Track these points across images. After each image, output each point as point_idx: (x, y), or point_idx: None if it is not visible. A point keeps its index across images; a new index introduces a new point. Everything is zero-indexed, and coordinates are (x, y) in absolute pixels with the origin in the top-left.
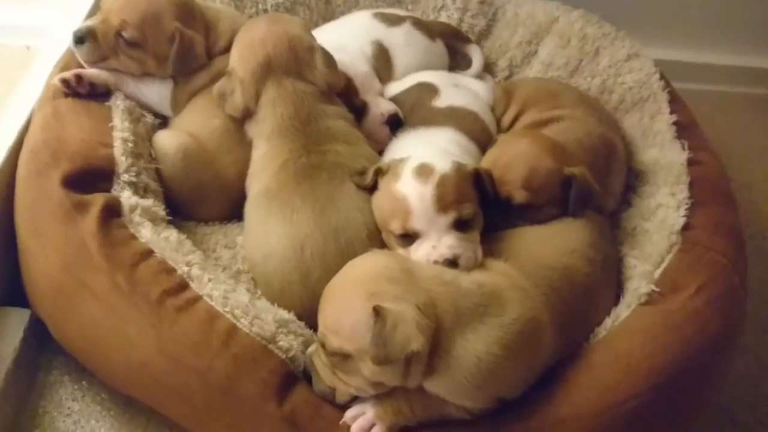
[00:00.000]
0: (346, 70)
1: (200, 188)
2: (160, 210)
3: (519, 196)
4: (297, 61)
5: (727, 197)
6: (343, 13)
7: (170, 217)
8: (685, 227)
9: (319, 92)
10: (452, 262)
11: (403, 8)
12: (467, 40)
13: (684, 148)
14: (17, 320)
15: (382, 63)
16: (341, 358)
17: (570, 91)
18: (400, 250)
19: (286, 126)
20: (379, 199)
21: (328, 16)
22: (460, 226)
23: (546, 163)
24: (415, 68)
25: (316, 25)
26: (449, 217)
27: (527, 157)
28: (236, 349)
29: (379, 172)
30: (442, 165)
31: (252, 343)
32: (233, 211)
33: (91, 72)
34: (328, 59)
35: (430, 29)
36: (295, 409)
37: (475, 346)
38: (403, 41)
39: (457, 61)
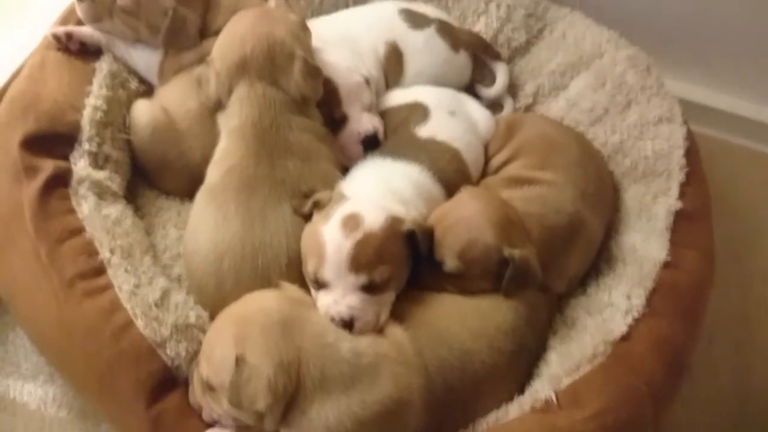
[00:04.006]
0: (336, 79)
1: (164, 164)
2: (113, 184)
3: (451, 263)
4: (273, 67)
5: (689, 312)
6: None
7: (123, 192)
8: (624, 337)
9: (291, 101)
10: (348, 323)
11: (443, 5)
12: (496, 57)
13: (665, 248)
14: None
15: (393, 65)
16: (208, 384)
17: (573, 148)
18: (312, 291)
19: (247, 128)
20: (306, 232)
21: None
22: (370, 288)
23: (486, 238)
24: (428, 77)
25: (346, 5)
26: (360, 279)
27: (470, 226)
28: (125, 345)
29: (317, 205)
30: (374, 219)
31: (141, 343)
32: (195, 189)
33: (84, 31)
34: (308, 69)
35: (455, 38)
36: (161, 415)
37: (329, 415)
38: (421, 47)
39: (482, 75)
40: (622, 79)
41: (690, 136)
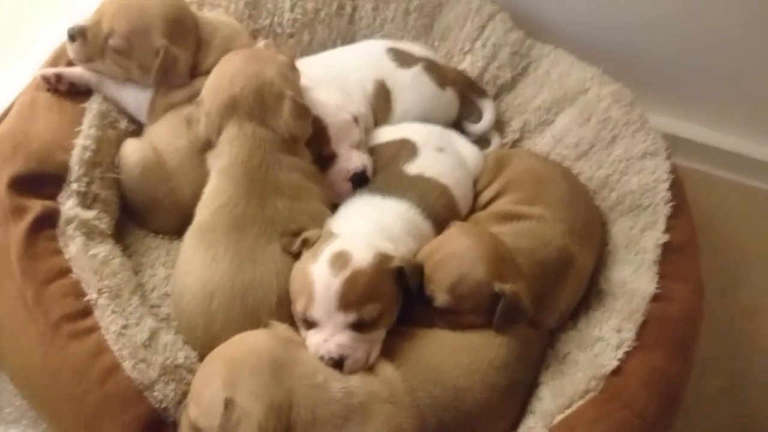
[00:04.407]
0: (325, 117)
1: (153, 202)
2: (101, 223)
3: (441, 299)
4: (262, 107)
5: (679, 345)
6: (365, 37)
7: (111, 231)
8: (615, 371)
9: (280, 140)
10: (338, 362)
11: (429, 44)
12: (482, 94)
13: (654, 281)
14: None
15: (382, 103)
16: (197, 427)
17: (560, 182)
18: (302, 330)
19: (236, 168)
20: (295, 271)
21: (349, 38)
22: (360, 326)
23: (477, 273)
24: (416, 114)
25: (334, 45)
26: (349, 317)
27: (460, 261)
28: (111, 388)
29: (306, 243)
30: (363, 256)
31: (128, 387)
32: (184, 227)
33: (73, 72)
34: (297, 109)
35: (442, 76)
36: None
37: None
38: (408, 85)
39: (469, 111)
40: (606, 114)
41: (674, 170)
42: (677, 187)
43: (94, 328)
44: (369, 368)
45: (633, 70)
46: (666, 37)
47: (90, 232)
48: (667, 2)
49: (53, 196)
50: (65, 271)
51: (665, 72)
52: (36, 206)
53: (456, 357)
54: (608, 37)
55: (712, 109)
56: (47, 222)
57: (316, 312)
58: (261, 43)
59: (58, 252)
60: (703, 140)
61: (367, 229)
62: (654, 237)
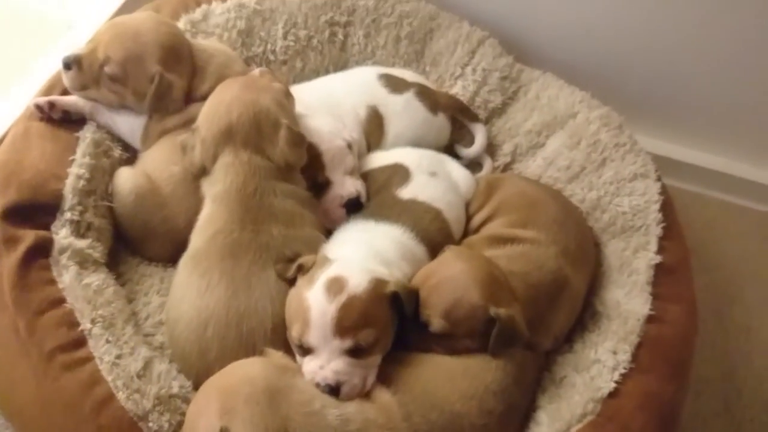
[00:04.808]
0: (319, 144)
1: (147, 230)
2: (95, 252)
3: (437, 324)
4: (258, 135)
5: (675, 367)
6: (357, 63)
7: (105, 260)
8: (612, 394)
9: (275, 168)
10: (334, 389)
11: (420, 70)
12: (474, 119)
13: (648, 302)
14: None
15: (374, 128)
16: None
17: (552, 205)
18: (297, 356)
19: (231, 195)
20: (291, 297)
21: (341, 65)
22: (356, 351)
23: (472, 298)
24: (409, 138)
25: (327, 71)
26: (345, 343)
27: (455, 286)
28: (105, 420)
29: (301, 269)
30: (358, 281)
31: (122, 418)
32: (178, 255)
33: (67, 100)
34: (293, 137)
35: (434, 101)
36: None
37: None
38: (400, 110)
39: (461, 135)
40: (596, 137)
41: (665, 191)
42: (668, 207)
43: (88, 359)
44: (366, 394)
45: (621, 94)
46: (652, 62)
47: (84, 261)
48: (652, 29)
49: (47, 226)
50: (59, 301)
51: (653, 95)
52: (29, 236)
53: (453, 382)
54: (595, 62)
55: (700, 130)
56: (41, 252)
57: (312, 338)
58: (256, 71)
59: (52, 282)
60: (692, 161)
61: (361, 254)
62: (646, 258)
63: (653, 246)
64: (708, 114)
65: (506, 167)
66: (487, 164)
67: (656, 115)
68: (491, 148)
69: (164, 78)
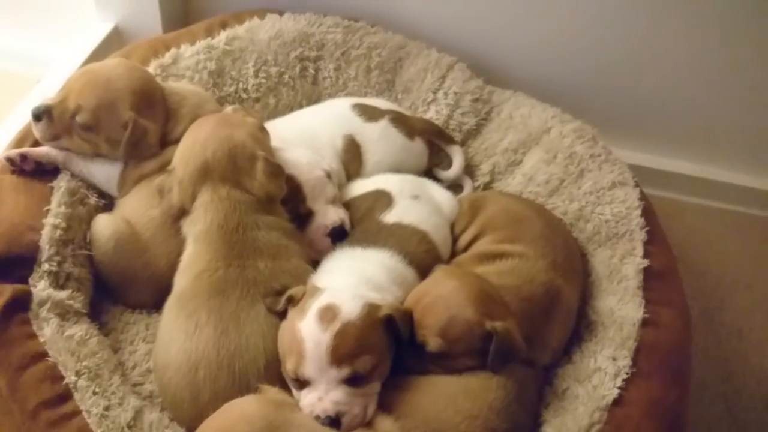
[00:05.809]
0: (299, 175)
1: (129, 276)
2: (76, 302)
3: (433, 343)
4: (235, 169)
5: (675, 371)
6: (329, 96)
7: (86, 310)
8: (617, 402)
9: (256, 201)
10: (335, 420)
11: (393, 98)
12: (450, 141)
13: (641, 306)
14: None
15: (352, 157)
16: None
17: (537, 219)
18: (294, 391)
19: (213, 232)
20: (283, 330)
21: (314, 98)
22: (354, 380)
23: (467, 314)
24: (387, 165)
25: (300, 106)
26: (342, 372)
27: (449, 304)
28: None
29: (291, 300)
30: (351, 308)
31: None
32: (162, 300)
33: (39, 151)
34: (271, 168)
35: (410, 127)
36: None
37: None
38: (377, 138)
39: (439, 159)
40: (571, 150)
41: (644, 197)
42: (650, 213)
43: (75, 413)
44: (367, 423)
45: (591, 109)
46: (618, 78)
47: (64, 313)
48: (617, 46)
49: (24, 279)
50: (41, 356)
51: (621, 108)
52: (6, 290)
53: (455, 403)
54: (563, 81)
55: (670, 138)
56: (19, 306)
57: (308, 370)
58: (228, 109)
59: (32, 336)
60: (666, 168)
61: (351, 281)
62: (634, 263)
63: (639, 251)
64: (677, 122)
65: (486, 186)
66: (468, 185)
67: (627, 127)
68: (470, 169)
69: (138, 124)
